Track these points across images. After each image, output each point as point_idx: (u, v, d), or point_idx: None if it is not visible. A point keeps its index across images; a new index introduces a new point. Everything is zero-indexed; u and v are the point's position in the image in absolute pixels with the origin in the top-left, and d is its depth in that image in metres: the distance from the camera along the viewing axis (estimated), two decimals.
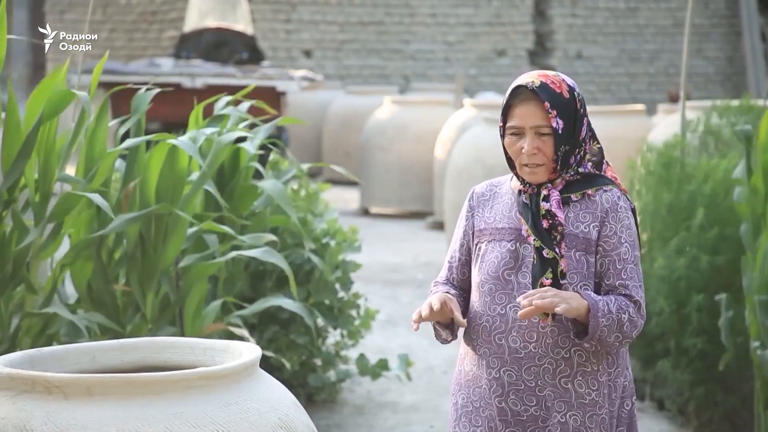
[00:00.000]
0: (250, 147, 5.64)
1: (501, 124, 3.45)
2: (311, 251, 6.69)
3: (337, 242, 7.05)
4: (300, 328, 6.79)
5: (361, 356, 7.15)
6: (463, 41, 25.37)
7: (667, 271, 6.59)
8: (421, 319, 3.42)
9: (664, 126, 10.72)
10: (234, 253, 5.34)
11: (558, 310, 3.26)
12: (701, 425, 6.65)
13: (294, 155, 18.24)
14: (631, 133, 11.10)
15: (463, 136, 11.37)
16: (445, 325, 3.52)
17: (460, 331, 3.56)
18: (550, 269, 3.37)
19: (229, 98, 5.78)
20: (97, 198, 4.82)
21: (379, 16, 24.80)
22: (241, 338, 5.26)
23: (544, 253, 3.37)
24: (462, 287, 3.58)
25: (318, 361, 7.06)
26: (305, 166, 6.25)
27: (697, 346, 6.45)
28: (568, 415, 3.40)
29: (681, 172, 6.85)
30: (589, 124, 3.47)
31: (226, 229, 5.31)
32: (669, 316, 6.58)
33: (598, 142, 3.50)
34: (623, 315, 3.35)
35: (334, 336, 7.36)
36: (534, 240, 3.39)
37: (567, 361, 3.39)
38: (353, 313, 7.14)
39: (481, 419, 3.46)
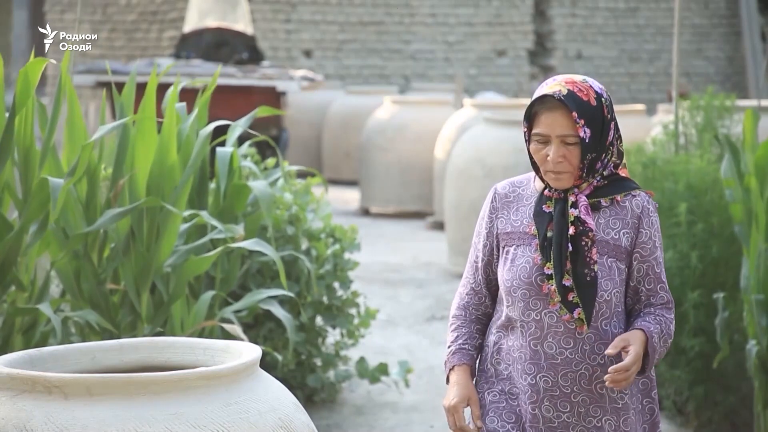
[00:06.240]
0: (229, 144, 5.63)
1: (525, 129, 3.41)
2: (301, 251, 6.68)
3: (336, 239, 7.03)
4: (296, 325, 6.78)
5: (361, 359, 7.14)
6: (463, 41, 25.35)
7: None
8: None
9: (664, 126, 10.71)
10: (223, 246, 5.30)
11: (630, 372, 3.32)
12: (701, 425, 6.64)
13: (294, 155, 18.29)
14: (631, 133, 11.10)
15: (463, 136, 11.36)
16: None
17: None
18: (552, 279, 3.37)
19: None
20: (53, 181, 4.70)
21: (379, 16, 24.79)
22: (233, 336, 5.22)
23: (545, 268, 3.39)
24: (482, 291, 3.55)
25: (318, 361, 7.05)
26: (294, 168, 6.26)
27: (695, 348, 6.44)
28: (603, 420, 3.42)
29: (656, 169, 6.88)
30: (616, 125, 3.43)
31: (216, 223, 5.26)
32: None
33: (622, 142, 3.47)
34: (667, 331, 3.41)
35: (333, 336, 7.35)
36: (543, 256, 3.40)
37: (603, 367, 3.39)
38: (353, 311, 7.12)
39: (515, 416, 3.46)
